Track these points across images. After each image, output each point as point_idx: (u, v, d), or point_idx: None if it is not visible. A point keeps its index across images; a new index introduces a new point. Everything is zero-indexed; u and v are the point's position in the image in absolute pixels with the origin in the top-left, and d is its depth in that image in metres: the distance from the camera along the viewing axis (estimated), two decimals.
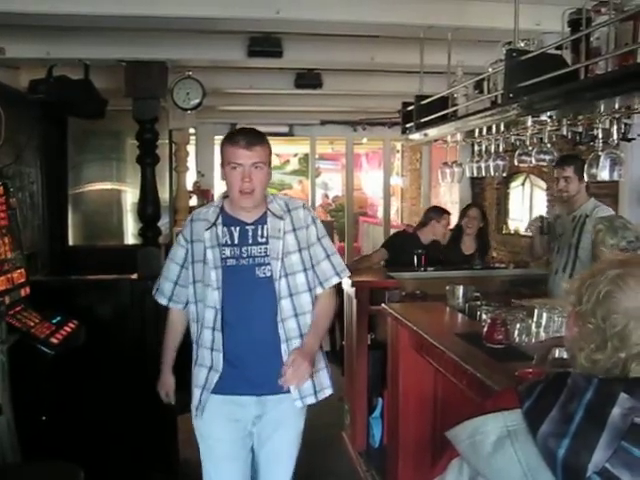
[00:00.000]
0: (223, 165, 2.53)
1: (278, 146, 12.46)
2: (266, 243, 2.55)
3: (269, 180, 2.58)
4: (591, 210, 4.03)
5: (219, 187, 8.84)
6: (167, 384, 2.80)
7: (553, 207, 4.28)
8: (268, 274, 2.53)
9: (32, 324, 3.52)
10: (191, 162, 7.62)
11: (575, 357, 1.15)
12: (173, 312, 2.78)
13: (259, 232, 2.57)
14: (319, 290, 2.65)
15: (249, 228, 2.57)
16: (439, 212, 5.64)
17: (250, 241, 2.56)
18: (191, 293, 2.64)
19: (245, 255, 2.55)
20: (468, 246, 5.63)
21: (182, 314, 2.75)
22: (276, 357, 2.51)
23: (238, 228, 2.57)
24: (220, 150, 2.56)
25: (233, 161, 2.47)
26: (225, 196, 2.64)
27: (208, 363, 2.58)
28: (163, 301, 2.76)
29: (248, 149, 2.45)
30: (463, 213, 5.77)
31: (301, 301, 2.58)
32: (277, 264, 2.53)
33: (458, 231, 5.69)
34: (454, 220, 5.95)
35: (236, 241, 2.56)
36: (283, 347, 2.53)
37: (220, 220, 2.58)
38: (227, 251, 2.55)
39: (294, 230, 2.58)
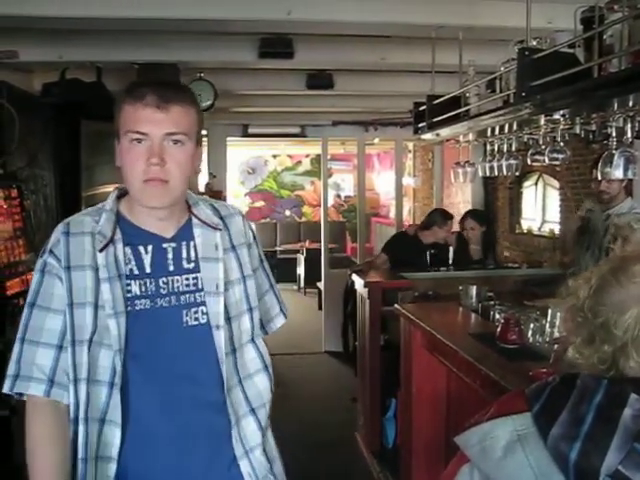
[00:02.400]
0: (118, 138, 1.54)
1: (290, 147, 12.51)
2: (195, 270, 1.59)
3: (197, 168, 1.64)
4: (628, 211, 3.88)
5: (232, 188, 8.87)
6: None
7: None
8: (203, 320, 1.57)
9: None
10: (203, 164, 7.65)
11: (567, 351, 1.15)
12: (48, 414, 1.53)
13: (184, 252, 1.60)
14: (260, 337, 1.74)
15: (168, 247, 1.59)
16: (443, 218, 5.69)
17: (171, 268, 1.58)
18: (68, 364, 1.50)
19: (165, 291, 1.56)
20: (475, 251, 5.69)
21: (65, 416, 1.53)
22: (223, 449, 1.60)
23: (150, 247, 1.58)
24: (115, 113, 1.56)
25: (133, 129, 1.49)
26: (120, 195, 1.65)
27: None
28: (37, 390, 1.51)
29: (160, 109, 1.48)
30: (461, 225, 5.81)
31: (245, 357, 1.66)
32: (217, 301, 1.58)
33: (462, 240, 5.72)
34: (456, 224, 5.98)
35: (148, 269, 1.56)
36: (234, 433, 1.60)
37: (119, 234, 1.57)
38: (134, 286, 1.54)
39: (233, 248, 1.66)
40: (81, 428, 1.50)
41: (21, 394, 1.55)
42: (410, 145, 10.41)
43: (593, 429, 1.01)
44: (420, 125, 4.05)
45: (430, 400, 3.50)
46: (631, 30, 2.16)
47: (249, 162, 13.57)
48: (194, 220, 1.63)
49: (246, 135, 8.10)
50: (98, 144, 6.08)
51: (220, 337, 1.57)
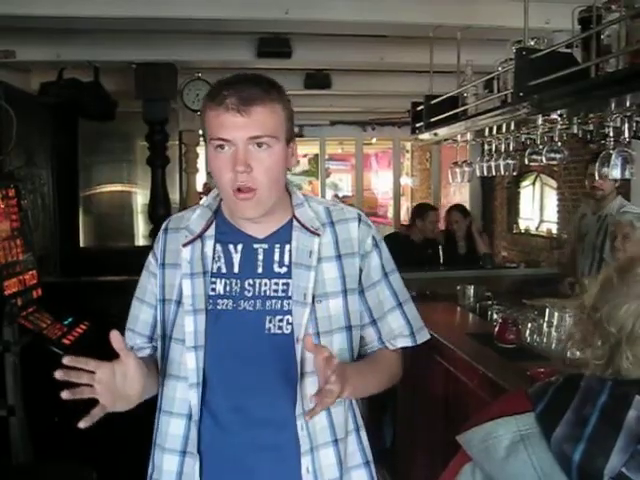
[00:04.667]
0: (206, 143, 1.48)
1: None
2: (287, 275, 1.49)
3: (288, 168, 1.51)
4: (617, 209, 3.87)
5: None
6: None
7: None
8: (287, 330, 1.46)
9: (44, 325, 3.55)
10: (201, 163, 7.65)
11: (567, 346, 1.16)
12: None
13: (276, 256, 1.50)
14: (373, 348, 1.60)
15: (259, 248, 1.51)
16: (421, 211, 5.77)
17: (260, 270, 1.49)
18: (158, 356, 1.56)
19: (250, 294, 1.48)
20: (461, 246, 5.70)
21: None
22: (289, 477, 1.46)
23: (240, 247, 1.51)
24: (201, 118, 1.49)
25: (216, 135, 1.41)
26: None
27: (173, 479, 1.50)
28: None
29: (241, 112, 1.38)
30: (447, 219, 5.84)
31: None
32: (304, 312, 1.45)
33: (449, 235, 5.74)
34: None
35: (236, 269, 1.50)
36: (304, 462, 1.45)
37: (212, 231, 1.53)
38: (219, 285, 1.49)
39: (338, 257, 1.51)
40: (173, 422, 1.50)
41: None
42: (408, 145, 10.42)
43: (597, 430, 1.00)
44: (418, 125, 4.05)
45: (428, 399, 3.50)
46: (629, 30, 2.16)
47: None
48: (294, 222, 1.52)
49: None
50: (96, 144, 6.10)
51: (303, 351, 1.42)
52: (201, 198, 7.57)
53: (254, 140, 1.40)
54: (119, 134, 6.12)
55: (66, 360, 1.27)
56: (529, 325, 2.97)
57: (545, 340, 2.87)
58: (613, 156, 2.45)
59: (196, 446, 1.46)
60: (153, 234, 5.07)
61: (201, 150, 7.67)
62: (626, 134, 2.47)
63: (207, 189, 7.73)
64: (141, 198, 6.26)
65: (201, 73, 5.22)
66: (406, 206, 10.81)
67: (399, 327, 1.58)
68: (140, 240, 6.40)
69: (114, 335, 1.30)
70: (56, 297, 3.84)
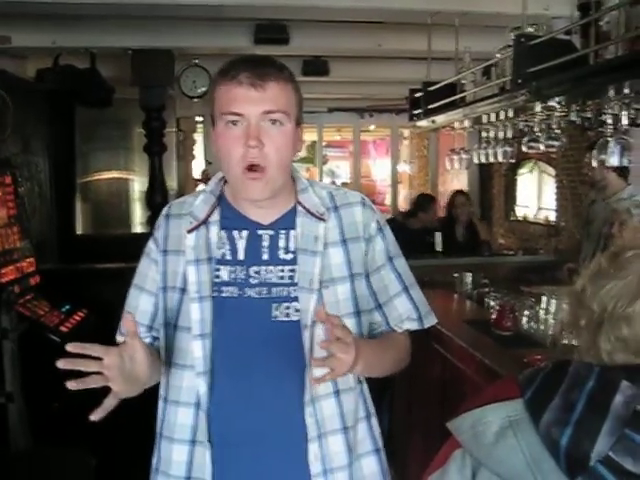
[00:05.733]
0: (213, 122, 1.43)
1: None
2: (293, 262, 1.46)
3: (298, 150, 1.49)
4: (627, 198, 3.75)
5: None
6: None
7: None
8: (294, 317, 1.44)
9: (42, 313, 3.55)
10: (198, 150, 7.64)
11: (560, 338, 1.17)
12: None
13: (281, 242, 1.48)
14: (381, 332, 1.59)
15: (264, 234, 1.48)
16: (426, 202, 5.79)
17: (265, 257, 1.47)
18: (161, 346, 1.51)
19: (255, 281, 1.45)
20: (460, 233, 5.70)
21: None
22: (297, 464, 1.44)
23: (245, 233, 1.48)
24: (209, 97, 1.46)
25: (228, 110, 1.38)
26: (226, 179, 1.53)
27: (182, 472, 1.46)
28: None
29: (255, 87, 1.36)
30: (451, 202, 5.81)
31: None
32: (309, 299, 1.43)
33: (450, 220, 5.72)
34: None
35: (241, 256, 1.47)
36: (312, 449, 1.44)
37: (216, 216, 1.49)
38: (224, 272, 1.46)
39: (344, 242, 1.49)
40: (180, 411, 1.47)
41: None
42: (406, 132, 10.40)
43: (584, 415, 1.01)
44: (416, 112, 4.04)
45: (425, 386, 3.51)
46: (628, 16, 2.15)
47: None
48: (299, 208, 1.49)
49: None
50: (92, 131, 6.07)
51: (310, 338, 1.41)
52: (197, 185, 7.57)
53: (267, 115, 1.37)
54: (116, 121, 6.09)
55: (70, 347, 1.21)
56: (526, 312, 2.98)
57: (542, 327, 2.88)
58: (611, 143, 2.45)
59: (206, 435, 1.43)
60: (151, 221, 5.07)
61: (198, 137, 7.67)
62: (624, 121, 2.46)
63: (205, 176, 7.73)
64: (138, 185, 6.25)
65: (198, 60, 5.20)
66: (403, 193, 10.81)
67: (406, 311, 1.56)
68: (137, 227, 6.40)
69: (127, 317, 1.28)
70: (53, 284, 3.85)
